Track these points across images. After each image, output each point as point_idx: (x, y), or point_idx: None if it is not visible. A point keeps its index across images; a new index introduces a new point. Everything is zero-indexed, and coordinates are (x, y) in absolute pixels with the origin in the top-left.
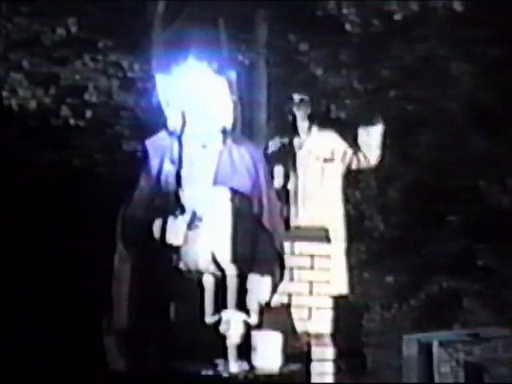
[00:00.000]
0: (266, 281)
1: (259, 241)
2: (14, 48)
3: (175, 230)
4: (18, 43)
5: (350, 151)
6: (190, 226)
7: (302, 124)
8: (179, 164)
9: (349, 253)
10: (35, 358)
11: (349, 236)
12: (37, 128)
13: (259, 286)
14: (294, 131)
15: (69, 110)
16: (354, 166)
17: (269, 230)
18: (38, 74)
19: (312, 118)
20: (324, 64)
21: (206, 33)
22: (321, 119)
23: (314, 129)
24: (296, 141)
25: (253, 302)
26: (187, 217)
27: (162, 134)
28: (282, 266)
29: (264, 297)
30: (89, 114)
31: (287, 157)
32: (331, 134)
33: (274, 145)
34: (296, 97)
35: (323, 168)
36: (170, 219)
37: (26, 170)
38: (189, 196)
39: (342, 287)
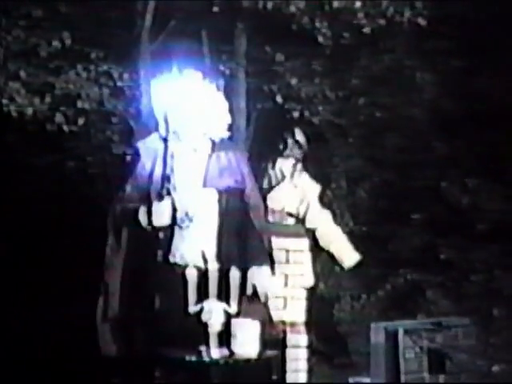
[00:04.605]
0: (266, 270)
1: (249, 236)
2: (12, 59)
3: (161, 212)
4: (16, 54)
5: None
6: (182, 226)
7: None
8: (170, 166)
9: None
10: (29, 345)
11: None
12: (33, 133)
13: (261, 277)
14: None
15: (63, 117)
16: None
17: (256, 226)
18: (34, 83)
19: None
20: (298, 73)
21: (190, 45)
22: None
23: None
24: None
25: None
26: (168, 201)
27: (154, 137)
28: (272, 261)
29: (271, 287)
30: (81, 120)
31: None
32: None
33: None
34: (290, 140)
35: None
36: (155, 202)
37: (23, 171)
38: (179, 197)
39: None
